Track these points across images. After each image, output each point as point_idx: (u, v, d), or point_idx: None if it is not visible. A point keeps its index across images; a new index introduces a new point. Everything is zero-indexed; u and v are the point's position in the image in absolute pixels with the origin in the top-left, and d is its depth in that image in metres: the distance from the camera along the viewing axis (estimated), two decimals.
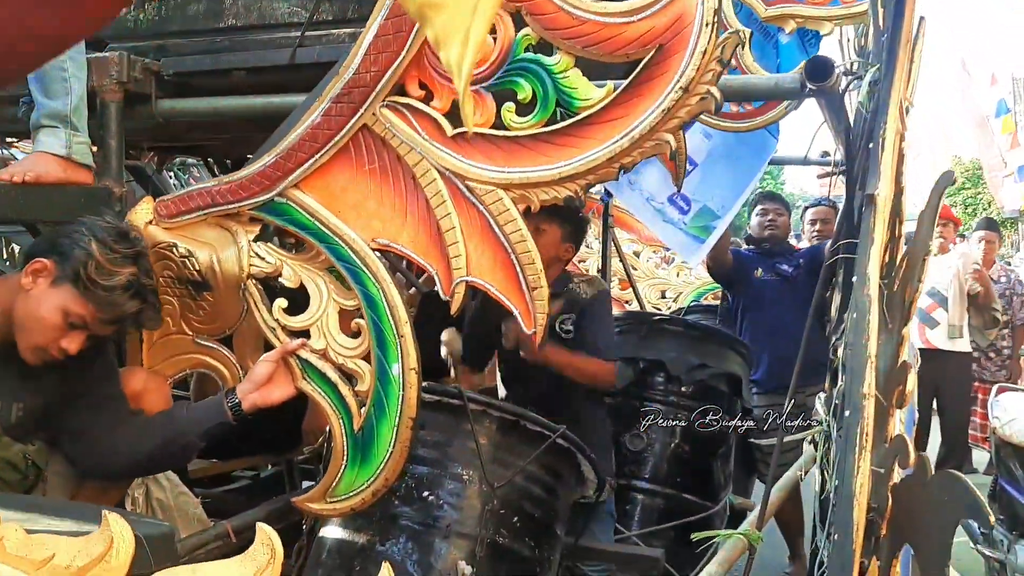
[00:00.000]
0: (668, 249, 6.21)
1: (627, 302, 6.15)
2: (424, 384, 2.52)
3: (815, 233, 5.17)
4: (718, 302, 5.83)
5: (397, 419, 2.03)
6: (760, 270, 4.70)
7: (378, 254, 2.06)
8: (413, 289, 3.91)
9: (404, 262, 3.18)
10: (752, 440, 4.41)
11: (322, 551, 2.56)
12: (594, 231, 5.99)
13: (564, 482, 2.74)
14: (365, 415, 2.06)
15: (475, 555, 2.44)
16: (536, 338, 1.94)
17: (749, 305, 4.74)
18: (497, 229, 1.96)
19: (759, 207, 4.92)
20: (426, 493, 2.50)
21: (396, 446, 2.04)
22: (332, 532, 2.56)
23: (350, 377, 2.08)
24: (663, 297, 6.48)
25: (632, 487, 3.72)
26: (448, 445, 2.56)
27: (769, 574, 4.92)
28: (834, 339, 2.14)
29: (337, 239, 2.07)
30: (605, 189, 5.20)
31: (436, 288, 1.98)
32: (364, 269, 2.05)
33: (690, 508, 3.72)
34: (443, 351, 3.40)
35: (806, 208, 5.35)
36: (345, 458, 2.08)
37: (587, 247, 6.42)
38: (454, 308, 1.99)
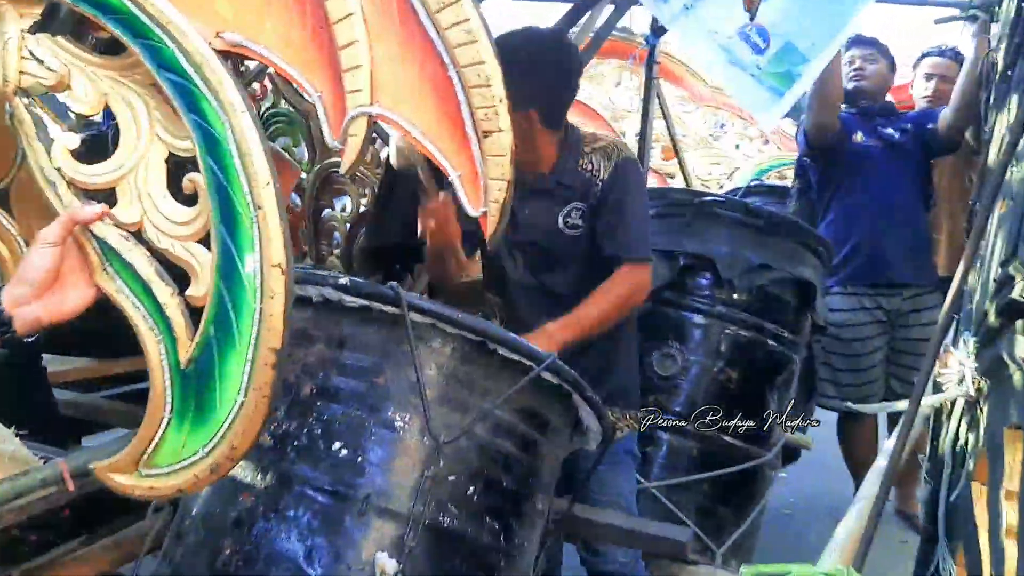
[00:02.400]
0: (722, 108, 5.33)
1: (670, 176, 5.33)
2: (344, 280, 1.83)
3: (929, 93, 4.29)
4: (785, 182, 5.02)
5: (251, 349, 1.28)
6: (860, 134, 3.92)
7: (229, 63, 1.28)
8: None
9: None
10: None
11: (184, 519, 1.87)
12: (635, 83, 5.16)
13: (552, 433, 2.01)
14: (199, 338, 1.31)
15: (403, 544, 1.73)
16: (486, 224, 1.17)
17: (843, 177, 4.00)
18: (427, 21, 1.16)
19: (846, 55, 4.07)
20: (338, 445, 1.79)
21: (250, 395, 1.29)
22: (200, 494, 1.86)
23: (179, 274, 1.34)
24: (712, 174, 5.65)
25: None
26: (376, 374, 1.83)
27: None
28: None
29: (159, 32, 1.28)
30: (651, 28, 4.33)
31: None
32: (201, 85, 1.27)
33: (732, 455, 3.03)
34: (394, 158, 2.45)
35: (922, 57, 4.43)
36: (168, 408, 1.34)
37: (626, 109, 5.57)
38: (346, 164, 1.21)
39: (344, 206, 3.48)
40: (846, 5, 2.79)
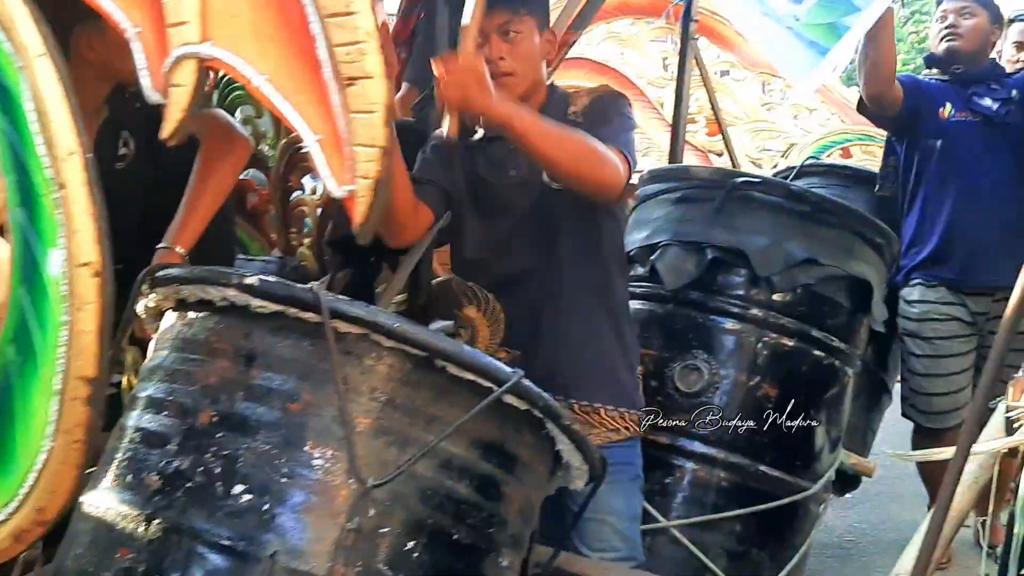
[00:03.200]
0: (778, 75, 5.05)
1: (716, 154, 5.06)
2: (251, 280, 1.60)
3: (1022, 64, 3.97)
4: (850, 161, 4.75)
5: (59, 378, 1.05)
6: (949, 106, 3.63)
7: None
8: None
9: None
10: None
11: None
12: (676, 46, 4.92)
13: (523, 471, 1.77)
14: None
15: None
16: (352, 207, 0.93)
17: (928, 159, 3.70)
18: None
19: (938, 9, 3.76)
20: (240, 489, 1.56)
21: (59, 440, 1.06)
22: (76, 546, 1.63)
23: None
24: (766, 152, 5.38)
25: (678, 449, 2.78)
26: (292, 398, 1.61)
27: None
28: None
29: None
30: None
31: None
32: None
33: (770, 487, 2.80)
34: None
35: (1011, 22, 4.10)
36: None
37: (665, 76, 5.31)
38: (169, 124, 0.97)
39: (315, 188, 3.26)
40: None
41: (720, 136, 4.97)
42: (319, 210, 3.20)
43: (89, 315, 1.02)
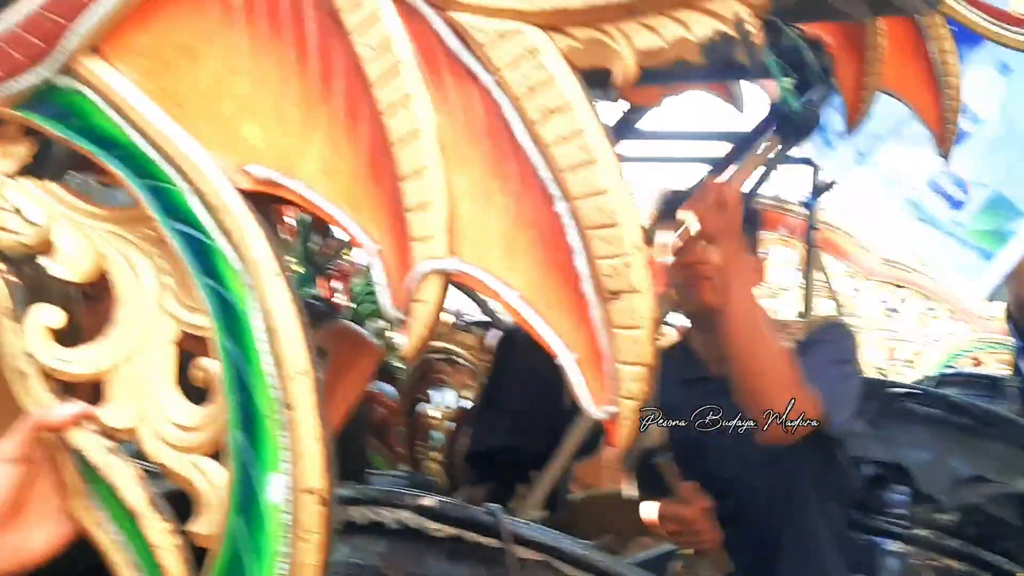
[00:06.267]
0: (904, 287, 4.97)
1: None
2: (428, 501, 1.54)
3: None
4: (981, 369, 4.58)
5: None
6: None
7: (252, 204, 1.03)
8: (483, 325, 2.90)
9: None
10: None
11: None
12: (787, 257, 4.91)
13: None
14: None
15: None
16: (614, 431, 0.87)
17: None
18: (525, 137, 0.90)
19: None
20: None
21: None
22: None
23: (181, 502, 1.05)
24: (891, 362, 5.24)
25: None
26: None
27: None
28: None
29: (167, 168, 1.05)
30: (813, 185, 4.06)
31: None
32: (218, 238, 1.03)
33: None
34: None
35: None
36: None
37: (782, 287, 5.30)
38: (411, 344, 0.94)
39: (444, 400, 3.23)
40: None
41: None
42: (450, 423, 3.16)
43: (313, 547, 0.96)
